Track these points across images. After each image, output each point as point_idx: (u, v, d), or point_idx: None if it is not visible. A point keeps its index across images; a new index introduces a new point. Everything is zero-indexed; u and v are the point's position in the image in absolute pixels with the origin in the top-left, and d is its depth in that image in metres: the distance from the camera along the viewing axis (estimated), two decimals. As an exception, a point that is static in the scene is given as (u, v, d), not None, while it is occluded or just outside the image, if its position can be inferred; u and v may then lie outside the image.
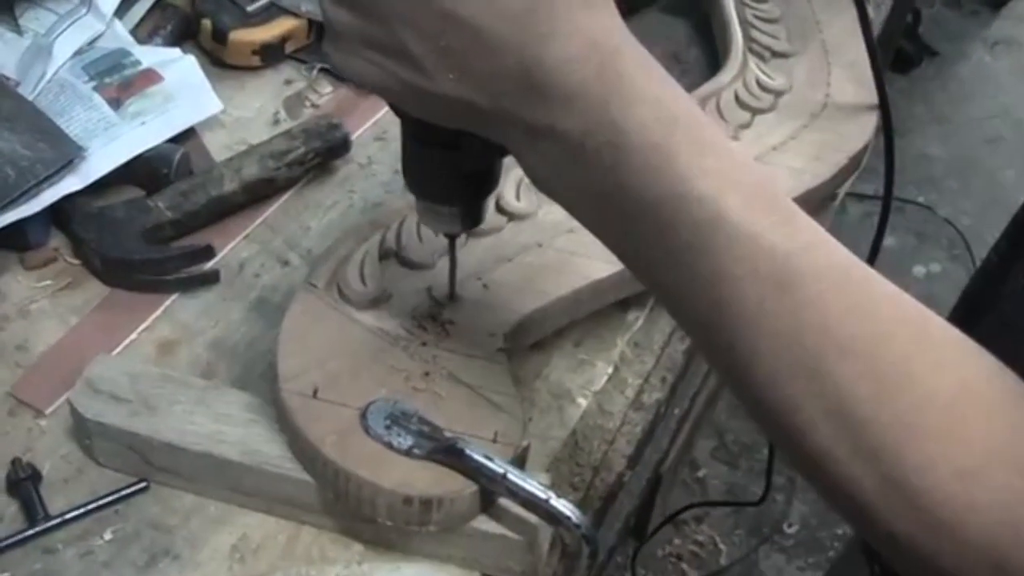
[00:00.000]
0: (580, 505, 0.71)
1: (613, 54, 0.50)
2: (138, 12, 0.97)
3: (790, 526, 1.99)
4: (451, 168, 0.60)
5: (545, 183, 0.54)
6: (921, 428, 0.47)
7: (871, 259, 0.91)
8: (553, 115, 0.50)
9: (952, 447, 0.46)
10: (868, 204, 2.41)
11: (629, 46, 0.51)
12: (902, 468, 0.47)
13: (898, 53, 2.81)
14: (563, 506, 0.59)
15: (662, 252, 0.51)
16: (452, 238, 0.68)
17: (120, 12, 0.95)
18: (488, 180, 0.62)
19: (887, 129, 0.87)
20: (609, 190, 0.51)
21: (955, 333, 0.50)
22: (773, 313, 0.48)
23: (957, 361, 0.49)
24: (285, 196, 0.86)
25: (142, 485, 0.68)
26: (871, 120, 0.90)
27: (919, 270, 2.50)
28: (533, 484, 0.60)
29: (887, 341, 0.48)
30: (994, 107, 2.93)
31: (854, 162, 0.88)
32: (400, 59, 0.51)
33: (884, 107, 0.88)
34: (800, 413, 0.48)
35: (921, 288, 2.46)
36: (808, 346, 0.48)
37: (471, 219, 0.64)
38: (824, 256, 0.50)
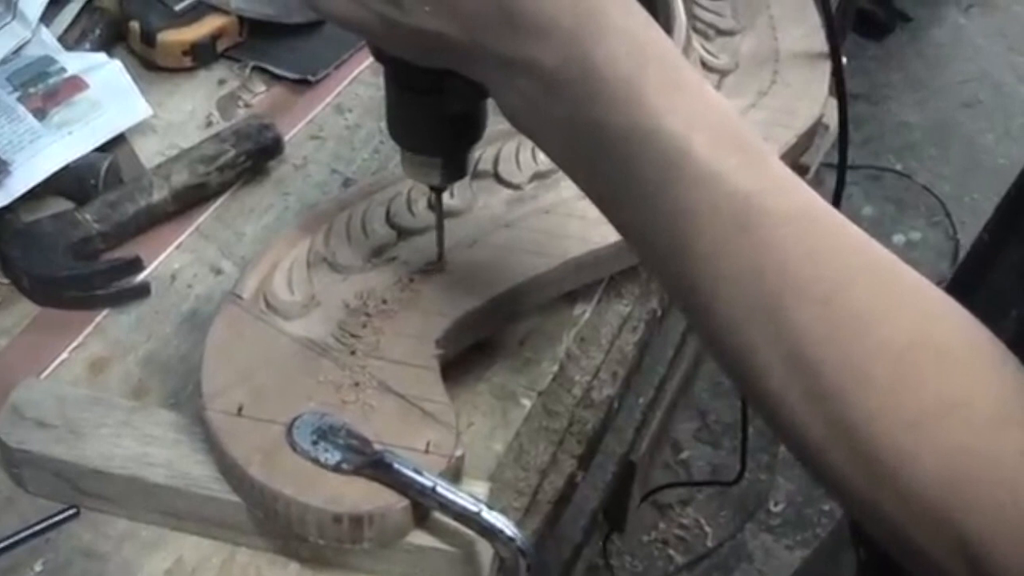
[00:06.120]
0: (527, 511, 0.69)
1: None
2: (65, 17, 0.94)
3: (776, 504, 1.97)
4: (434, 113, 0.59)
5: (519, 118, 0.53)
6: (871, 375, 0.46)
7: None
8: (527, 47, 0.50)
9: (901, 397, 0.45)
10: (847, 174, 2.37)
11: None
12: (850, 414, 0.46)
13: (872, 20, 2.78)
14: (495, 519, 0.57)
15: (628, 188, 0.50)
16: (438, 191, 0.67)
17: (47, 18, 0.92)
18: (471, 127, 0.61)
19: (840, 93, 0.85)
20: (580, 124, 0.50)
21: (927, 286, 0.48)
22: (732, 254, 0.48)
23: (921, 312, 0.48)
24: (218, 202, 0.83)
25: (71, 512, 0.65)
26: (820, 96, 0.87)
27: (899, 239, 2.46)
28: (463, 497, 0.57)
29: (847, 287, 0.47)
30: (971, 70, 2.90)
31: (804, 139, 0.86)
32: None
33: (837, 70, 0.85)
34: (756, 356, 0.48)
35: (902, 256, 2.42)
36: (766, 289, 0.47)
37: (455, 170, 0.63)
38: (790, 199, 0.49)
